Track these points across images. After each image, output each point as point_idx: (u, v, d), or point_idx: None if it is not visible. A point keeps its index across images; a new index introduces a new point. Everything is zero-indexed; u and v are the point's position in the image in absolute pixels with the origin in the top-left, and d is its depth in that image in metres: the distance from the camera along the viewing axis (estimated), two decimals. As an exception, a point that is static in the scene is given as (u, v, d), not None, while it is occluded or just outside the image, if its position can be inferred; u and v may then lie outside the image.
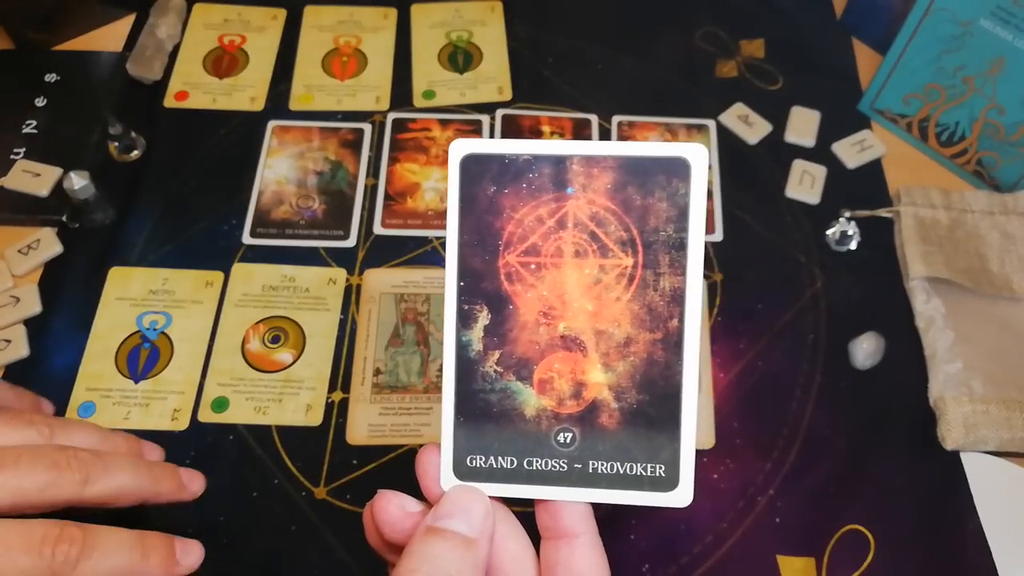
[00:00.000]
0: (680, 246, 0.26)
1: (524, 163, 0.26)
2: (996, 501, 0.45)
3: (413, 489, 0.27)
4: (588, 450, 0.26)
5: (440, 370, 0.50)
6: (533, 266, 0.26)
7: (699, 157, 0.25)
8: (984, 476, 0.46)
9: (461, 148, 0.26)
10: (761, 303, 0.53)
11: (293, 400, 0.49)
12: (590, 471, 0.26)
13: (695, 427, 0.26)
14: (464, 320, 0.27)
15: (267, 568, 0.43)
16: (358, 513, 0.45)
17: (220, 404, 0.48)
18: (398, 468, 0.46)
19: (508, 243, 0.26)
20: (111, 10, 0.67)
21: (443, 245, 0.55)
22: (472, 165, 0.26)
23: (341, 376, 0.49)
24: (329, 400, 0.49)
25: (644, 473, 0.26)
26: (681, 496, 0.26)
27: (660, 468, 0.26)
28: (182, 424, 0.48)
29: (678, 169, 0.26)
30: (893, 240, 0.55)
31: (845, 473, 0.47)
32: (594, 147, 0.26)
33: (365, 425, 0.48)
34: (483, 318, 0.27)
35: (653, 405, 0.26)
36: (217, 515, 0.45)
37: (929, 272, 0.51)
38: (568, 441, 0.27)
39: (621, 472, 0.26)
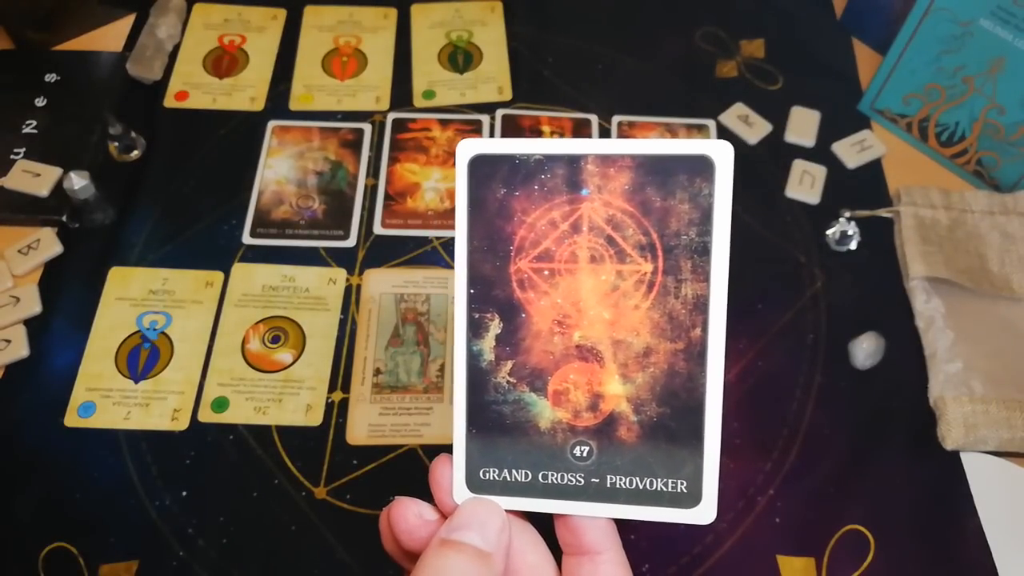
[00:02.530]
0: (703, 251, 0.24)
1: (536, 164, 0.25)
2: (996, 501, 0.45)
3: (416, 490, 0.27)
4: (606, 464, 0.25)
5: (440, 370, 0.49)
6: (546, 272, 0.25)
7: (724, 155, 0.24)
8: (984, 476, 0.46)
9: (469, 148, 0.25)
10: (761, 303, 0.53)
11: (293, 400, 0.49)
12: (608, 486, 0.25)
13: (720, 441, 0.25)
14: (475, 329, 0.26)
15: (267, 568, 0.43)
16: (358, 513, 0.45)
17: (220, 404, 0.48)
18: (398, 468, 0.46)
19: (520, 248, 0.25)
20: (111, 10, 0.67)
21: (443, 245, 0.55)
22: (481, 166, 0.25)
23: (341, 376, 0.49)
24: (329, 400, 0.49)
25: (664, 489, 0.25)
26: (704, 513, 0.25)
27: (682, 484, 0.25)
28: (182, 424, 0.48)
29: (701, 168, 0.24)
30: (893, 240, 0.55)
31: (845, 473, 0.47)
32: (610, 145, 0.24)
33: (365, 425, 0.48)
34: (495, 327, 0.25)
35: (674, 418, 0.25)
36: (217, 515, 0.45)
37: (929, 272, 0.51)
38: (585, 455, 0.25)
39: (640, 487, 0.25)
